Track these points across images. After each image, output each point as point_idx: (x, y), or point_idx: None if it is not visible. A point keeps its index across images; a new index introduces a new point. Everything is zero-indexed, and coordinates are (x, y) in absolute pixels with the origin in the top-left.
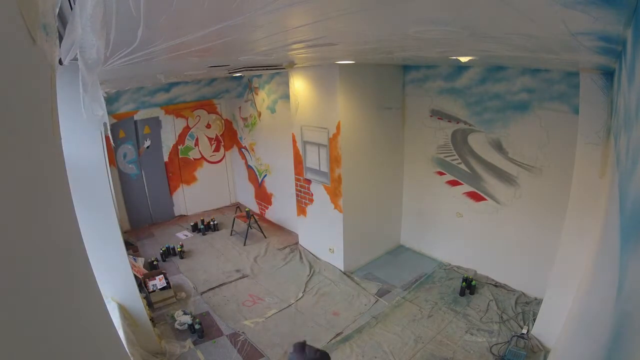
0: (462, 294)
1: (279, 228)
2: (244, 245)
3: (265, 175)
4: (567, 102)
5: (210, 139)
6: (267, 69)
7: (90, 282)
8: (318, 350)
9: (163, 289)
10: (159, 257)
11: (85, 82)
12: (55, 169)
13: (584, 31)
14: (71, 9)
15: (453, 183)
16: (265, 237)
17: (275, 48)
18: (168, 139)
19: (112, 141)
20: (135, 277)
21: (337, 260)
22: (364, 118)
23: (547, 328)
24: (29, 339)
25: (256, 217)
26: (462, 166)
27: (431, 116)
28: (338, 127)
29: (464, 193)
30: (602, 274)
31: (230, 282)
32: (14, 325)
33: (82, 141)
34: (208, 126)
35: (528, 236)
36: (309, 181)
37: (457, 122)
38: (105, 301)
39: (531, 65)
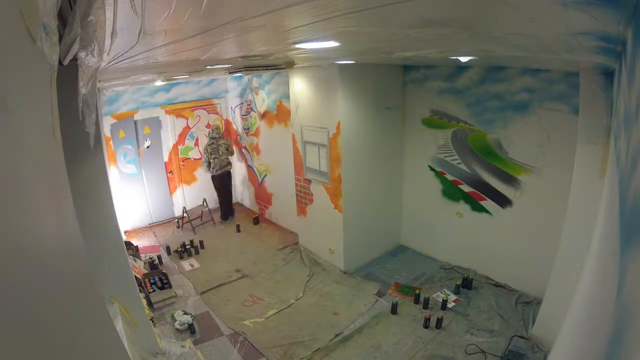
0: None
1: (279, 228)
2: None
3: (265, 175)
4: (567, 102)
5: None
6: (267, 69)
7: (90, 282)
8: None
9: (163, 289)
10: (159, 257)
11: (84, 83)
12: (56, 169)
13: (584, 31)
14: (71, 9)
15: (453, 183)
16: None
17: (275, 48)
18: (168, 139)
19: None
20: (135, 277)
21: (337, 260)
22: (364, 118)
23: (547, 328)
24: (28, 339)
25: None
26: (462, 166)
27: (431, 116)
28: (338, 127)
29: (464, 193)
30: (602, 274)
31: (230, 282)
32: (12, 326)
33: (81, 141)
34: (208, 126)
35: (528, 236)
36: (309, 181)
37: (457, 122)
38: (105, 301)
39: (531, 65)
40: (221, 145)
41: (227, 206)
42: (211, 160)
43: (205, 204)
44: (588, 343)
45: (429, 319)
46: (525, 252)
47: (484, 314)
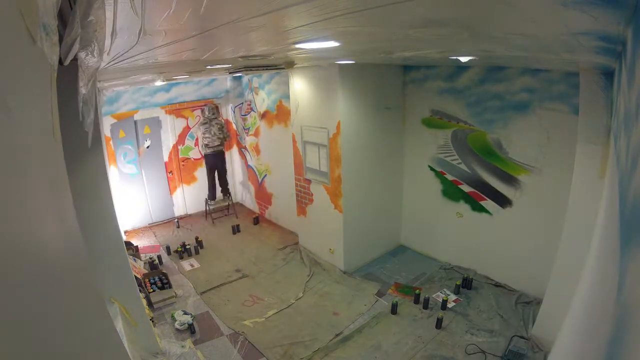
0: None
1: (279, 228)
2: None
3: (265, 175)
4: (567, 102)
5: None
6: (267, 69)
7: (90, 282)
8: None
9: (163, 289)
10: (159, 257)
11: (84, 83)
12: (56, 169)
13: (584, 31)
14: (71, 9)
15: (453, 183)
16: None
17: (275, 48)
18: (168, 139)
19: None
20: (135, 277)
21: (337, 260)
22: (364, 118)
23: (547, 328)
24: (28, 339)
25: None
26: (462, 166)
27: (431, 116)
28: (338, 127)
29: (464, 193)
30: (602, 274)
31: (230, 282)
32: (12, 326)
33: (81, 141)
34: None
35: (528, 236)
36: (309, 181)
37: (457, 122)
38: (105, 301)
39: (531, 65)
40: (214, 125)
41: (222, 185)
42: (203, 140)
43: (229, 197)
44: (588, 343)
45: (429, 318)
46: (525, 252)
47: (484, 314)
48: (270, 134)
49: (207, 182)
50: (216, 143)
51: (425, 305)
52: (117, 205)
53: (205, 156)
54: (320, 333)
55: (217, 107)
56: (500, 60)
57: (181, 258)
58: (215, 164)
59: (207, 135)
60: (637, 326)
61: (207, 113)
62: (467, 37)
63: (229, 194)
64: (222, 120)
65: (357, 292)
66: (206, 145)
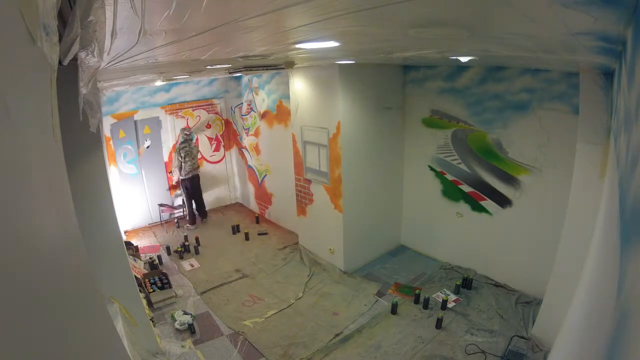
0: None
1: (279, 228)
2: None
3: (265, 175)
4: (567, 102)
5: (210, 139)
6: (267, 69)
7: (90, 282)
8: None
9: (163, 288)
10: (159, 257)
11: (84, 83)
12: (55, 169)
13: (584, 31)
14: (71, 8)
15: (453, 183)
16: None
17: (275, 48)
18: (168, 139)
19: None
20: (135, 277)
21: (337, 260)
22: (364, 118)
23: (547, 328)
24: (27, 339)
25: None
26: (462, 166)
27: (431, 116)
28: (338, 127)
29: (464, 193)
30: (602, 274)
31: (230, 282)
32: (12, 326)
33: (81, 141)
34: (208, 126)
35: (528, 236)
36: (309, 181)
37: (457, 122)
38: (105, 301)
39: (531, 65)
40: (193, 149)
41: (199, 209)
42: (184, 164)
43: (184, 204)
44: (588, 343)
45: (429, 318)
46: (525, 252)
47: (484, 314)
48: (270, 134)
49: (186, 208)
50: (195, 166)
51: (425, 305)
52: (117, 205)
53: (183, 181)
54: (320, 333)
55: (189, 128)
56: (500, 60)
57: (181, 258)
58: (195, 187)
59: (187, 160)
60: (637, 326)
61: (184, 135)
62: (467, 37)
63: (206, 216)
64: (194, 143)
65: (357, 292)
66: (187, 171)
